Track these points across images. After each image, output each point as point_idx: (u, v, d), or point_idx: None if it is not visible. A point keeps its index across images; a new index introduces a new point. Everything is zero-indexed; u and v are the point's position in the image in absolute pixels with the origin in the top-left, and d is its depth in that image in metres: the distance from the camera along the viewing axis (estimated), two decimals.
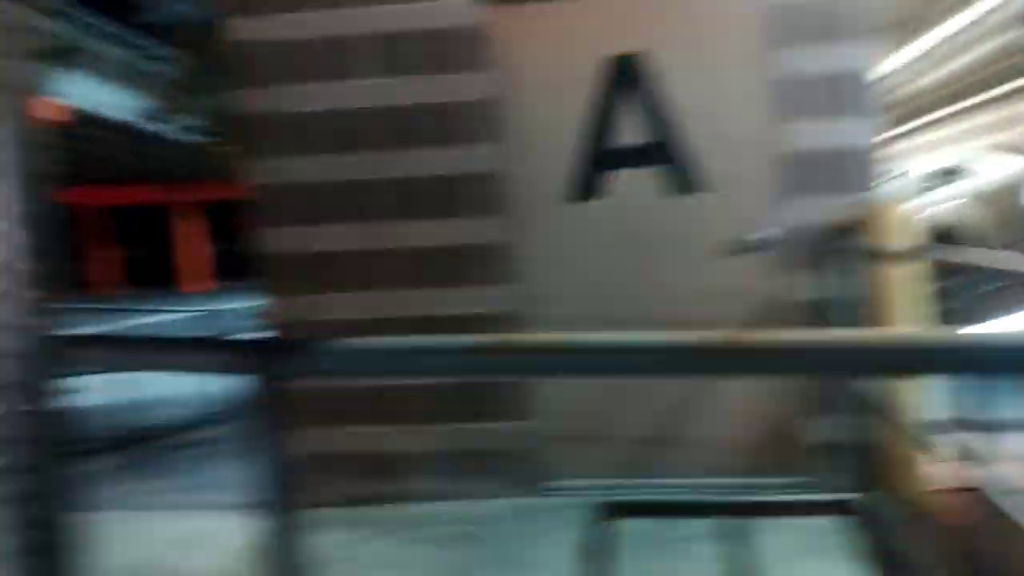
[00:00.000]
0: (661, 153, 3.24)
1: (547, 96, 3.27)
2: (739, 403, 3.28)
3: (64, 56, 17.02)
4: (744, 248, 3.24)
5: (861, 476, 3.09)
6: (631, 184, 3.26)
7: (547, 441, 3.30)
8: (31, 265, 0.69)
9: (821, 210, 3.20)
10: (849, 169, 3.21)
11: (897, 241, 2.90)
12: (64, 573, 0.74)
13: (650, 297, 3.25)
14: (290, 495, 0.74)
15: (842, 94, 3.18)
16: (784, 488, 3.20)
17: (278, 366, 0.73)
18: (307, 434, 3.34)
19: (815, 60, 3.18)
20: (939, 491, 2.84)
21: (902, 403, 2.90)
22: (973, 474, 2.54)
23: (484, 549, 2.94)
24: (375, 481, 3.33)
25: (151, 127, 14.44)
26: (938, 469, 2.83)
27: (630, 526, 3.05)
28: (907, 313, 2.94)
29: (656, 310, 3.22)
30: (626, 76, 3.23)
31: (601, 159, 3.25)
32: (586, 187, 3.27)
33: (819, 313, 3.18)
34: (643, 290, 3.26)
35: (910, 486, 2.92)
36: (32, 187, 0.70)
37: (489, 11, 3.24)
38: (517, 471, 3.29)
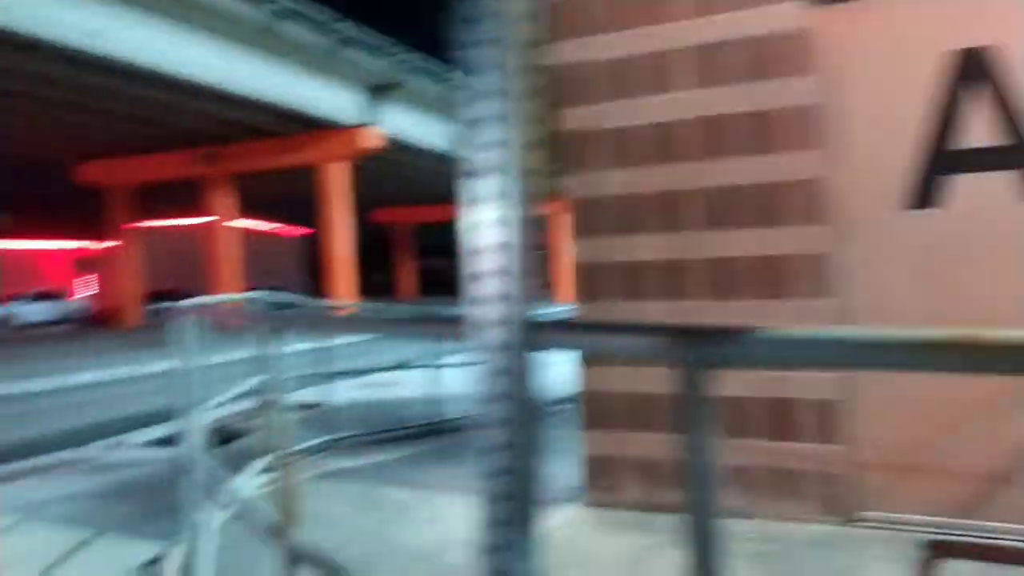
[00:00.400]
0: (1013, 155, 2.89)
1: (880, 97, 3.06)
2: None
3: (385, 90, 19.37)
4: None
5: None
6: (977, 189, 2.94)
7: (865, 468, 3.08)
8: (521, 266, 0.81)
9: None
10: None
11: None
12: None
13: (991, 315, 2.90)
14: (711, 489, 0.78)
15: None
16: None
17: (710, 353, 0.77)
18: (623, 438, 3.45)
19: None
20: None
21: None
22: None
23: (784, 571, 2.82)
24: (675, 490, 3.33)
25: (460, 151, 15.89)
26: None
27: (951, 568, 2.74)
28: None
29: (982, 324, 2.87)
30: (974, 72, 2.92)
31: (943, 162, 2.97)
32: (925, 193, 3.01)
33: None
34: (984, 307, 2.92)
35: None
36: (523, 203, 0.83)
37: (814, 13, 3.12)
38: (829, 496, 3.11)
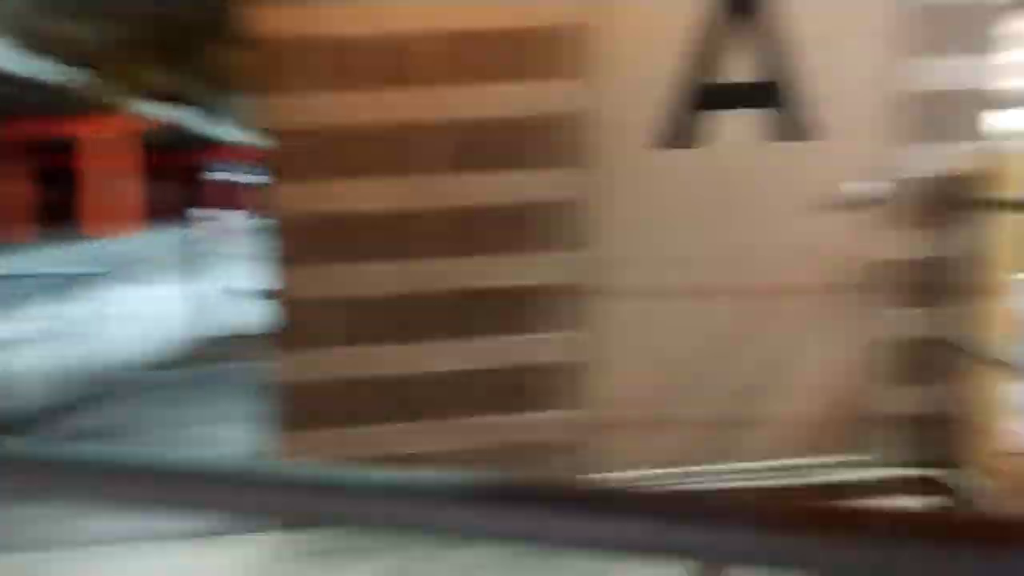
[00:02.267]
0: (771, 93, 2.77)
1: (638, 26, 2.71)
2: (808, 378, 2.95)
3: None
4: (854, 202, 2.85)
5: (940, 448, 2.92)
6: (733, 129, 2.78)
7: (598, 430, 2.86)
8: None
9: (940, 158, 2.84)
10: (970, 113, 2.85)
11: (1013, 193, 2.63)
12: None
13: (743, 259, 2.83)
14: None
15: (973, 26, 2.79)
16: (860, 465, 2.93)
17: None
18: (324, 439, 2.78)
19: None
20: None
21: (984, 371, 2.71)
22: None
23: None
24: None
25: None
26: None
27: None
28: (1007, 261, 2.72)
29: (749, 274, 2.82)
30: (738, 2, 2.72)
31: (702, 99, 2.74)
32: (681, 132, 2.76)
33: (932, 273, 2.87)
34: (735, 251, 2.83)
35: (992, 455, 2.79)
36: None
37: None
38: (570, 465, 2.85)
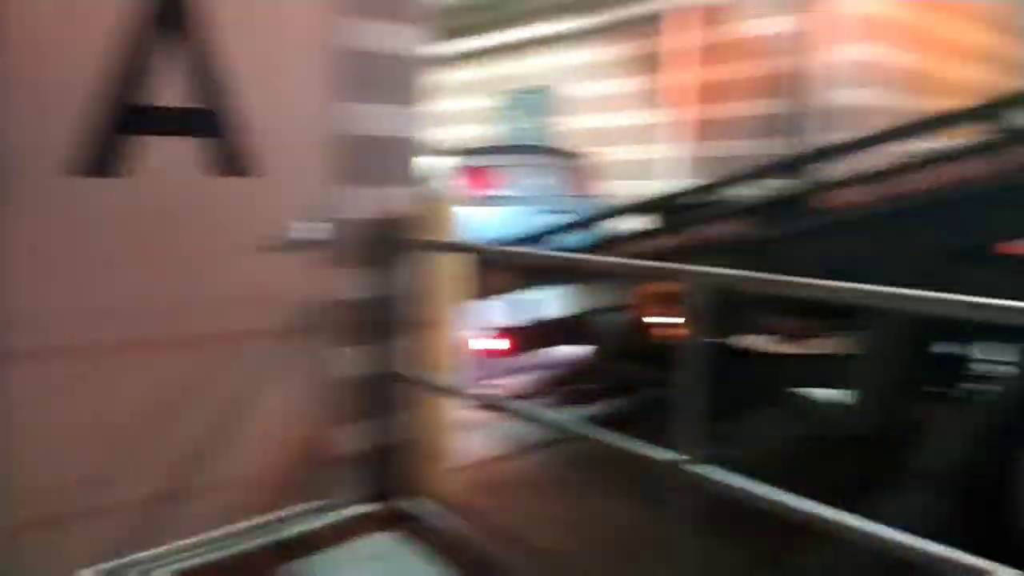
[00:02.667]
0: (207, 122, 2.50)
1: (51, 36, 2.18)
2: (262, 429, 2.77)
3: None
4: (296, 243, 2.76)
5: (400, 479, 3.03)
6: (165, 158, 2.42)
7: (23, 528, 2.29)
8: None
9: (373, 201, 2.94)
10: (402, 158, 3.02)
11: (445, 234, 2.89)
12: None
13: (182, 305, 2.51)
14: None
15: (399, 78, 2.95)
16: (324, 510, 2.89)
17: None
18: None
19: (379, 37, 2.88)
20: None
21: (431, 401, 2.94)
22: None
23: None
24: None
25: None
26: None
27: None
28: (455, 304, 2.98)
29: (189, 322, 2.51)
30: (168, 17, 2.37)
31: (127, 122, 2.32)
32: (104, 158, 2.30)
33: (376, 311, 2.95)
34: (172, 297, 2.49)
35: (443, 477, 3.03)
36: None
37: None
38: None
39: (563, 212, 6.14)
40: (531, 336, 4.17)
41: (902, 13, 6.16)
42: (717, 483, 1.99)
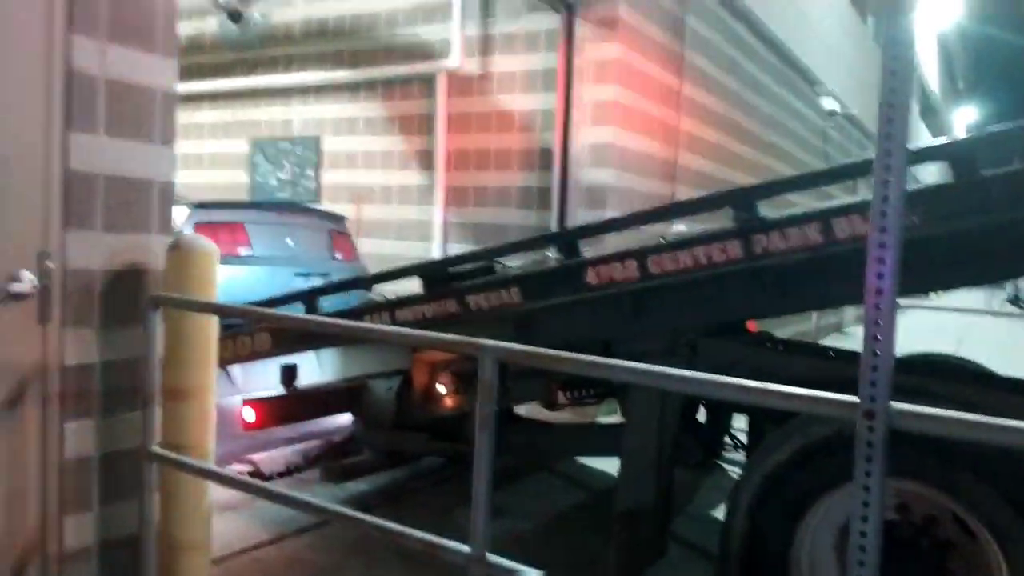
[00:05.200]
0: None
1: None
2: None
3: None
4: (8, 297, 2.27)
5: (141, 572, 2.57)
6: None
7: None
8: None
9: (116, 250, 2.52)
10: (151, 202, 2.62)
11: (201, 290, 2.55)
12: None
13: None
14: None
15: (147, 112, 2.58)
16: None
17: None
18: None
19: (120, 64, 2.49)
20: None
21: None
22: None
23: None
24: None
25: None
26: None
27: None
28: (209, 370, 2.62)
29: None
30: None
31: None
32: None
33: (109, 379, 2.50)
34: None
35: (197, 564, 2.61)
36: None
37: None
38: None
39: (322, 275, 5.85)
40: (294, 405, 3.81)
41: (652, 108, 6.78)
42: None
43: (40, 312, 2.37)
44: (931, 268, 2.66)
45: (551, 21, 6.61)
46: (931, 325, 10.57)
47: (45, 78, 2.34)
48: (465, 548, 1.93)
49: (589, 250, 3.33)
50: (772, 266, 2.78)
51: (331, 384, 3.94)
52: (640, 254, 3.01)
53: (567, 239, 3.36)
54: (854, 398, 1.46)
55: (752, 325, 3.73)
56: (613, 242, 3.84)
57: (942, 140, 3.31)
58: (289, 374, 3.95)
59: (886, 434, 1.43)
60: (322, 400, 3.90)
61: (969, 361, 4.28)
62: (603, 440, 3.55)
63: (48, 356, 2.40)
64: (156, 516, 2.56)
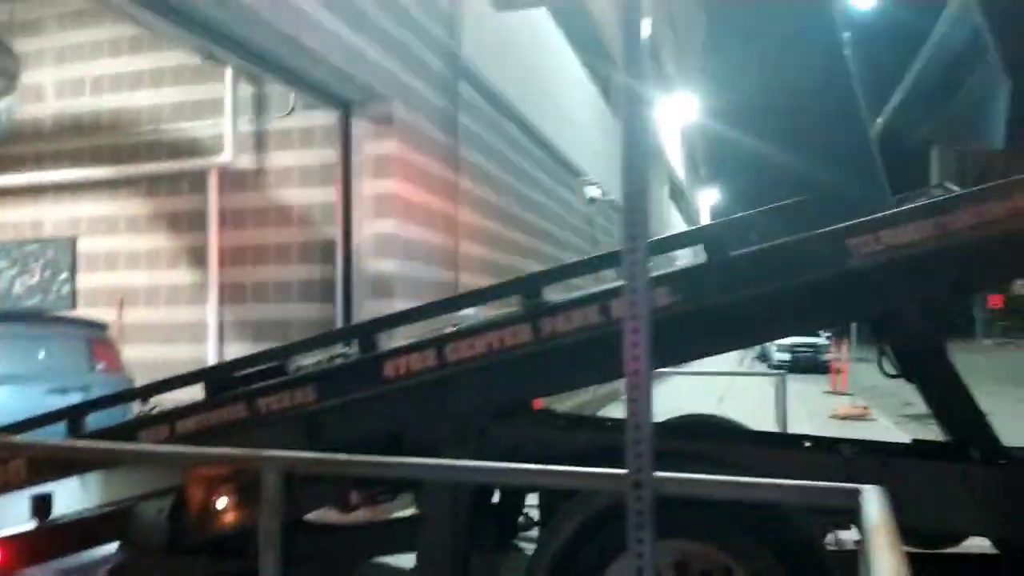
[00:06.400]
0: None
1: None
2: None
3: None
4: None
5: None
6: None
7: None
8: None
9: None
10: None
11: None
12: None
13: None
14: None
15: None
16: None
17: None
18: None
19: None
20: None
21: None
22: None
23: None
24: None
25: None
26: None
27: None
28: None
29: None
30: None
31: None
32: None
33: None
34: None
35: None
36: None
37: None
38: None
39: (81, 389, 5.29)
40: (49, 540, 3.35)
41: (431, 200, 6.99)
42: None
43: None
44: (693, 340, 2.94)
45: (327, 118, 6.67)
46: (696, 388, 11.59)
47: None
48: None
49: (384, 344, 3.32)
50: (561, 347, 2.92)
51: (93, 511, 3.53)
52: (439, 342, 3.04)
53: (365, 332, 3.32)
54: (623, 471, 1.58)
55: (537, 402, 3.88)
56: (402, 334, 3.86)
57: (696, 226, 3.72)
58: (42, 505, 3.48)
59: (652, 501, 1.55)
60: (83, 531, 3.46)
61: (726, 420, 4.73)
62: (400, 536, 3.47)
63: None
64: None
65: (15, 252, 7.74)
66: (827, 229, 2.71)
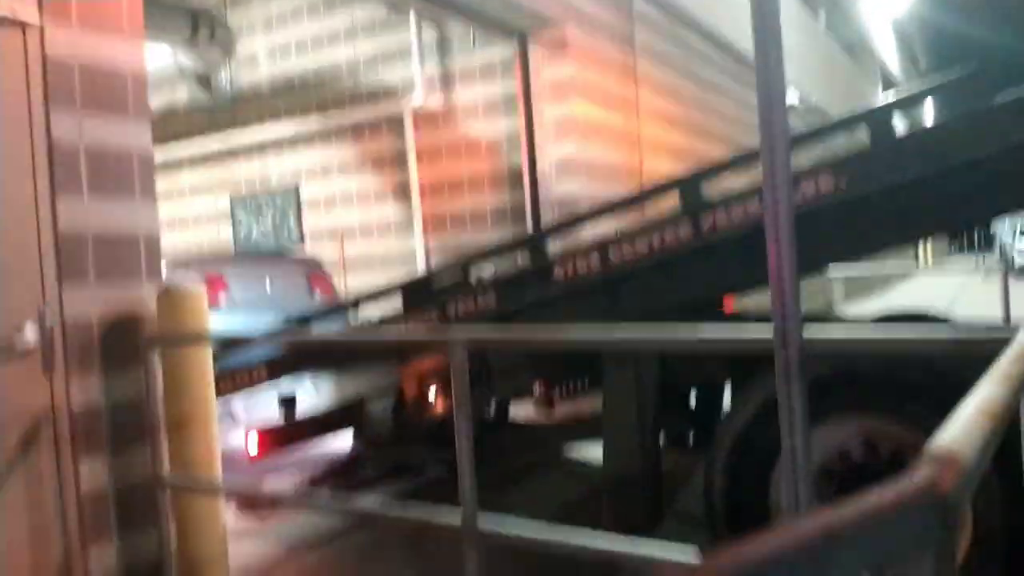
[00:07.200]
0: None
1: None
2: None
3: None
4: (5, 350, 2.47)
5: None
6: None
7: None
8: None
9: (110, 299, 2.72)
10: (139, 254, 2.84)
11: (191, 325, 2.74)
12: None
13: None
14: None
15: (125, 172, 2.81)
16: None
17: None
18: None
19: (96, 131, 2.72)
20: None
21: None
22: None
23: None
24: None
25: None
26: None
27: None
28: (209, 402, 2.80)
29: None
30: None
31: None
32: None
33: (118, 417, 2.68)
34: None
35: None
36: None
37: None
38: None
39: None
40: (294, 432, 3.99)
41: (611, 118, 7.05)
42: (507, 535, 2.02)
43: (44, 362, 2.56)
44: (860, 231, 2.85)
45: (505, 50, 6.90)
46: (931, 289, 11.03)
47: (29, 151, 2.57)
48: (456, 517, 2.10)
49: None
50: (724, 243, 2.93)
51: (328, 408, 4.12)
52: (601, 245, 3.19)
53: (534, 242, 3.55)
54: (769, 329, 1.65)
55: (730, 304, 3.87)
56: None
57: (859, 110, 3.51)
58: (288, 403, 4.13)
59: (800, 356, 1.62)
60: (321, 423, 4.08)
61: (936, 315, 4.46)
62: (593, 427, 3.68)
63: (56, 402, 2.59)
64: (174, 541, 2.73)
65: (250, 203, 8.84)
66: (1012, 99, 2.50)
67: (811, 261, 2.65)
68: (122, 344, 2.77)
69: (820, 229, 2.64)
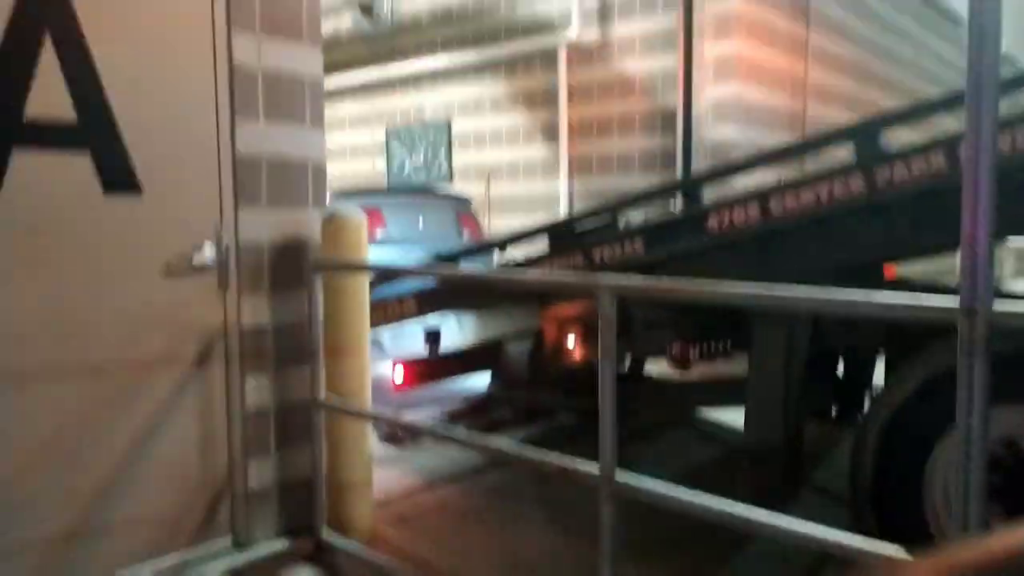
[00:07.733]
0: (86, 135, 2.38)
1: None
2: (163, 466, 2.65)
3: None
4: (193, 266, 2.65)
5: (317, 514, 2.92)
6: (40, 171, 2.29)
7: None
8: None
9: (279, 223, 2.86)
10: (307, 180, 2.96)
11: (352, 253, 2.84)
12: None
13: (68, 331, 2.36)
14: None
15: (298, 98, 2.90)
16: (238, 548, 2.77)
17: None
18: None
19: (273, 57, 2.82)
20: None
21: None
22: None
23: None
24: None
25: None
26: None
27: None
28: (364, 329, 2.92)
29: (77, 349, 2.36)
30: (48, 26, 2.26)
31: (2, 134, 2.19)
32: None
33: (280, 338, 2.85)
34: (57, 321, 2.34)
35: (363, 515, 2.91)
36: None
37: None
38: None
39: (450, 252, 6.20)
40: (438, 366, 4.13)
41: (777, 59, 6.64)
42: (644, 491, 2.01)
43: (220, 280, 2.74)
44: None
45: None
46: None
47: (211, 73, 2.69)
48: (595, 468, 2.10)
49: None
50: (900, 200, 2.67)
51: (470, 346, 4.22)
52: (762, 195, 2.99)
53: (689, 187, 3.40)
54: (954, 299, 1.51)
55: (891, 272, 3.60)
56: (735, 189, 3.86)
57: None
58: (433, 338, 4.27)
59: (987, 331, 1.47)
60: (463, 361, 4.19)
61: None
62: (732, 391, 3.56)
63: (228, 319, 2.77)
64: (324, 461, 2.91)
65: (404, 135, 9.05)
66: None
67: (1006, 225, 2.38)
68: (288, 268, 2.91)
69: (1017, 188, 2.37)
